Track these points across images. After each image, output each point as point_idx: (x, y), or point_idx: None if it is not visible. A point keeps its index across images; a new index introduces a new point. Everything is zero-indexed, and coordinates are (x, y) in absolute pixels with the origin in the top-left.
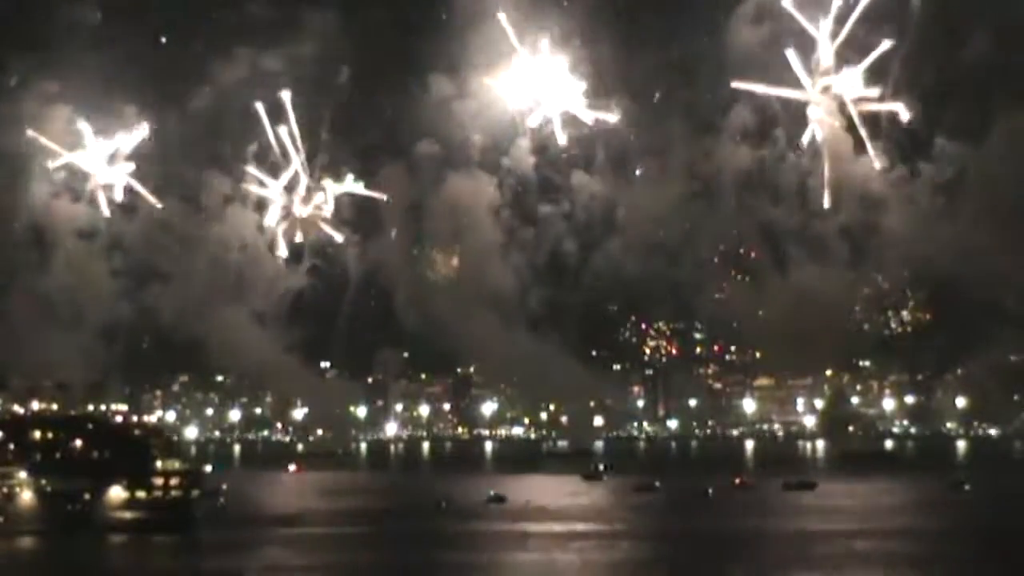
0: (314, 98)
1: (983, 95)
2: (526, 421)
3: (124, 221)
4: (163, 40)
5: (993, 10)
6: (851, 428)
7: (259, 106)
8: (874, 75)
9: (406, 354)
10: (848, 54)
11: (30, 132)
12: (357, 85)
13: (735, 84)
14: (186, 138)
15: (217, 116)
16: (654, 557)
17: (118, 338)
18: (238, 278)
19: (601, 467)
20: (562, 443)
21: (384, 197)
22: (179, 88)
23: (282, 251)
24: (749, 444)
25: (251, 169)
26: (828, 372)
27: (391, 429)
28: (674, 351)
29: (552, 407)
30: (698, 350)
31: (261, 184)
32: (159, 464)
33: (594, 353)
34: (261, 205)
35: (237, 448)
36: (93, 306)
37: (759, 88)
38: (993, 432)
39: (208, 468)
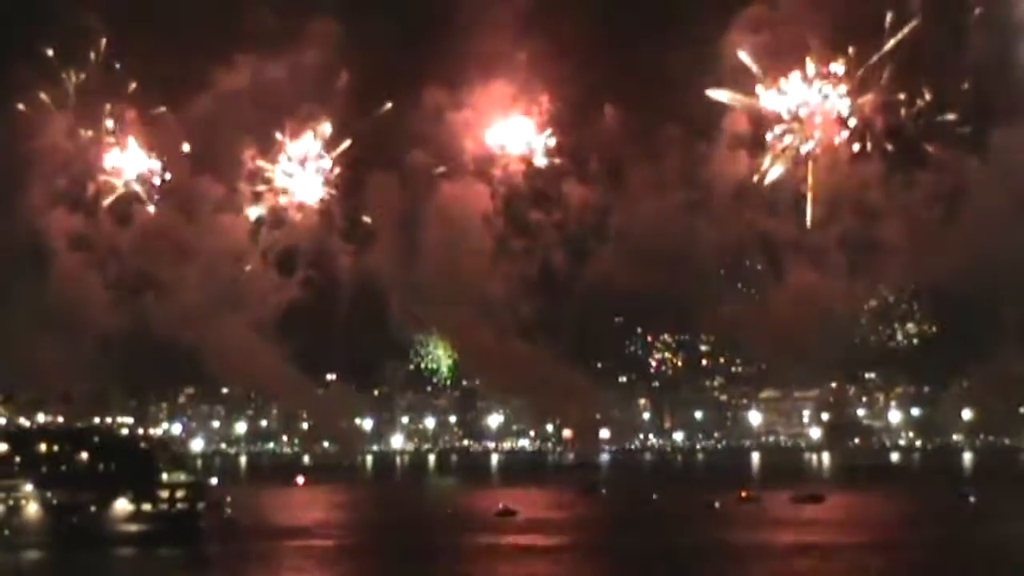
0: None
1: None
2: (532, 433)
3: (120, 231)
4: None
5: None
6: (856, 440)
7: None
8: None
9: (412, 366)
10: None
11: (28, 141)
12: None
13: None
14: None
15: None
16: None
17: (116, 349)
18: (233, 288)
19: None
20: (568, 455)
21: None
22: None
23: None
24: (755, 456)
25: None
26: (833, 384)
27: (397, 441)
28: (680, 363)
29: (558, 420)
30: (704, 362)
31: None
32: (165, 476)
33: (599, 365)
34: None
35: (243, 460)
36: (91, 317)
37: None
38: (999, 444)
39: (214, 480)
